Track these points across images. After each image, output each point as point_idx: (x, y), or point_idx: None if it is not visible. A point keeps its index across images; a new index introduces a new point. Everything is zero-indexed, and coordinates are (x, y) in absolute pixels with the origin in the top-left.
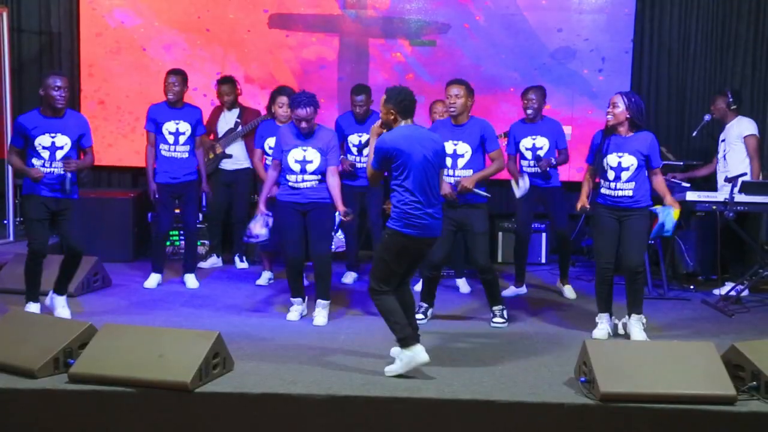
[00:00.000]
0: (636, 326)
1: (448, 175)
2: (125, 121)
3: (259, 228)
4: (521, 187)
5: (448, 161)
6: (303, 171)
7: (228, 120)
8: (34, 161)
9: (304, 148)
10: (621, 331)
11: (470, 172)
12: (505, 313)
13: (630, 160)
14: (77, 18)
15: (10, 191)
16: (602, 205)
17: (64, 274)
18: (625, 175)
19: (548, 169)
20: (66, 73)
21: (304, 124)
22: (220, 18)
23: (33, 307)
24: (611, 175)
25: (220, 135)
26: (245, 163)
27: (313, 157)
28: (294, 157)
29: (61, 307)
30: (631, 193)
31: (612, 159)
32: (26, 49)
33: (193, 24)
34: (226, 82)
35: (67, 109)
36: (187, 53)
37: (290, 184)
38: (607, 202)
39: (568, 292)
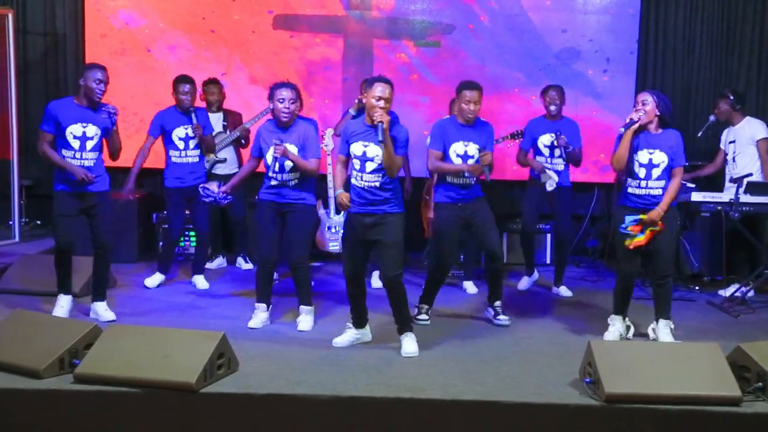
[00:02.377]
0: (664, 331)
1: (457, 177)
2: (130, 122)
3: (213, 186)
4: (549, 179)
5: (458, 162)
6: (282, 170)
7: (214, 123)
8: (64, 152)
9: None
10: (651, 335)
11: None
12: (503, 310)
13: (661, 157)
14: (82, 19)
15: (15, 192)
16: (630, 208)
17: (96, 276)
18: (656, 173)
19: (565, 149)
20: (104, 66)
21: (291, 105)
22: (225, 19)
23: (63, 300)
24: (642, 172)
25: None
26: (235, 167)
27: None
28: (273, 154)
29: (104, 311)
30: (660, 192)
31: (643, 156)
32: (31, 51)
33: (198, 25)
34: (214, 83)
35: (102, 104)
36: (191, 54)
37: (271, 183)
38: (636, 204)
39: (564, 291)
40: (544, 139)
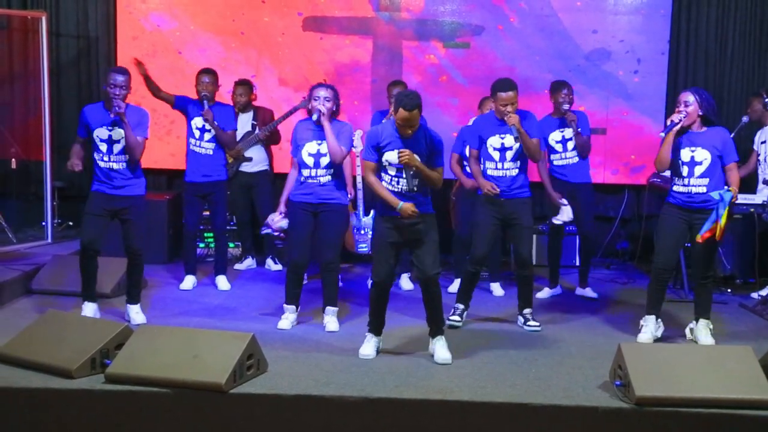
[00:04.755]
0: (704, 331)
1: (496, 169)
2: (161, 124)
3: (278, 219)
4: (563, 213)
5: (496, 155)
6: (317, 165)
7: (244, 123)
8: (95, 155)
9: (319, 141)
10: (688, 335)
11: (518, 164)
12: (533, 316)
13: (703, 155)
14: (114, 22)
15: (48, 193)
16: (673, 205)
17: (128, 280)
18: (698, 170)
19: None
20: (126, 71)
21: (325, 102)
22: (255, 21)
23: (88, 308)
24: (684, 170)
25: (238, 139)
26: (264, 166)
27: (327, 149)
28: (308, 150)
29: (135, 314)
30: (705, 189)
31: (685, 154)
32: (64, 53)
33: (228, 27)
34: (243, 84)
35: (128, 104)
36: (221, 56)
37: (303, 178)
38: (679, 201)
39: (589, 293)
40: (555, 136)
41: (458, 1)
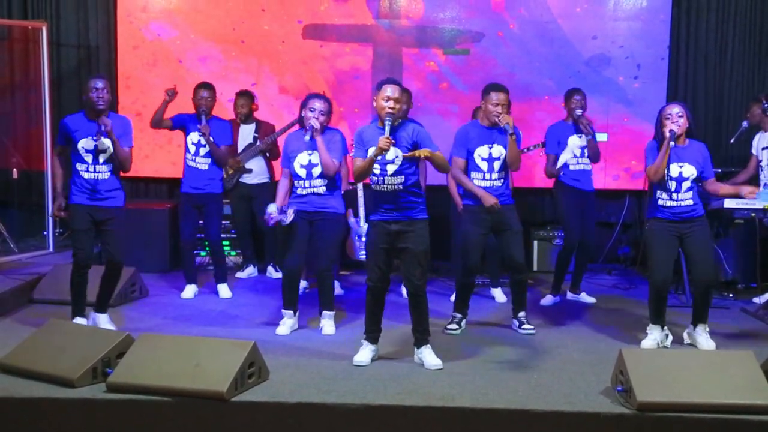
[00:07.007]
0: (703, 335)
1: (483, 180)
2: (162, 133)
3: (275, 212)
4: None
5: (484, 165)
6: (309, 176)
7: (245, 135)
8: (78, 166)
9: (310, 152)
10: (687, 340)
11: (503, 173)
12: (527, 319)
13: (690, 170)
14: (114, 31)
15: (49, 203)
16: (661, 219)
17: (103, 289)
18: (685, 185)
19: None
20: (106, 76)
21: (320, 116)
22: (255, 29)
23: (79, 322)
24: (672, 185)
25: (239, 150)
26: (265, 178)
27: (319, 160)
28: (300, 161)
29: (105, 323)
30: (691, 202)
31: (673, 169)
32: (65, 63)
33: (229, 36)
34: (244, 95)
35: (110, 112)
36: (222, 65)
37: (298, 191)
38: (667, 215)
39: (585, 298)
40: (576, 141)
41: (458, 8)
